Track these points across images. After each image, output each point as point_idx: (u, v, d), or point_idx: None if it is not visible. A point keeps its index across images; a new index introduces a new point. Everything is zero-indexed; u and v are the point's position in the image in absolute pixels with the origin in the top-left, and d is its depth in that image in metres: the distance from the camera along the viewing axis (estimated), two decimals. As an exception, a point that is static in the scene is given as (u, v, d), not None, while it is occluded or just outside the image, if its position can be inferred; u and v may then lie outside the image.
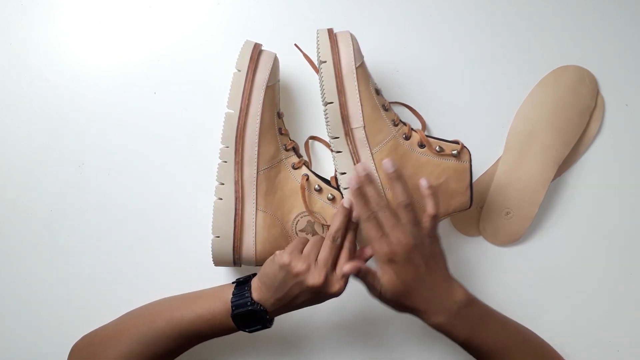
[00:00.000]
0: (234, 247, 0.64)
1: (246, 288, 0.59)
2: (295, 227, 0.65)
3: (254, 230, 0.64)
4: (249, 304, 0.58)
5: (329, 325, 0.72)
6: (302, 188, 0.65)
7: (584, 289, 0.73)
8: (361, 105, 0.62)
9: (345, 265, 0.58)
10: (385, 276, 0.57)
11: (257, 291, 0.59)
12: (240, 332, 0.60)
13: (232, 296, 0.59)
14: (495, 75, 0.73)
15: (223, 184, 0.64)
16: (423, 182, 0.59)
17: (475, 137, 0.72)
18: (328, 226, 0.63)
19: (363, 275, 0.58)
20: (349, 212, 0.60)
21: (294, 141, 0.67)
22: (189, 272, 0.70)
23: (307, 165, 0.67)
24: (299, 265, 0.57)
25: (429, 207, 0.58)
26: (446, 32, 0.73)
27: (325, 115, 0.63)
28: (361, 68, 0.63)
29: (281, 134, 0.66)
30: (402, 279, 0.57)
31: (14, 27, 0.72)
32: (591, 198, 0.73)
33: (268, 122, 0.64)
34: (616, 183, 0.73)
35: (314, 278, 0.57)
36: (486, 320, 0.60)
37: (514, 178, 0.70)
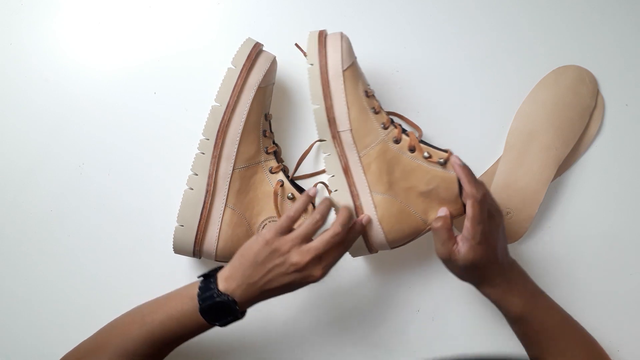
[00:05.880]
0: (196, 238, 0.64)
1: (212, 280, 0.58)
2: (261, 230, 0.65)
3: (219, 226, 0.64)
4: (215, 295, 0.57)
5: (321, 322, 0.72)
6: (275, 194, 0.64)
7: (583, 289, 0.72)
8: (348, 108, 0.62)
9: (441, 210, 0.61)
10: (472, 254, 0.58)
11: (226, 281, 0.58)
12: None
13: (198, 291, 0.58)
14: (495, 75, 0.73)
15: (197, 174, 0.64)
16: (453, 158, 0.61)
17: (476, 136, 0.72)
18: None
19: (443, 236, 0.59)
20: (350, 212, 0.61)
21: (277, 145, 0.67)
22: (189, 272, 0.70)
23: (286, 171, 0.67)
24: (286, 245, 0.57)
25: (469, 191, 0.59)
26: (446, 32, 0.73)
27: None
28: (350, 70, 0.62)
29: (265, 136, 0.66)
30: (487, 253, 0.58)
31: (14, 27, 0.72)
32: (591, 198, 0.73)
33: (253, 122, 0.64)
34: (616, 183, 0.73)
35: (298, 257, 0.56)
36: (538, 298, 0.62)
37: (514, 178, 0.70)
